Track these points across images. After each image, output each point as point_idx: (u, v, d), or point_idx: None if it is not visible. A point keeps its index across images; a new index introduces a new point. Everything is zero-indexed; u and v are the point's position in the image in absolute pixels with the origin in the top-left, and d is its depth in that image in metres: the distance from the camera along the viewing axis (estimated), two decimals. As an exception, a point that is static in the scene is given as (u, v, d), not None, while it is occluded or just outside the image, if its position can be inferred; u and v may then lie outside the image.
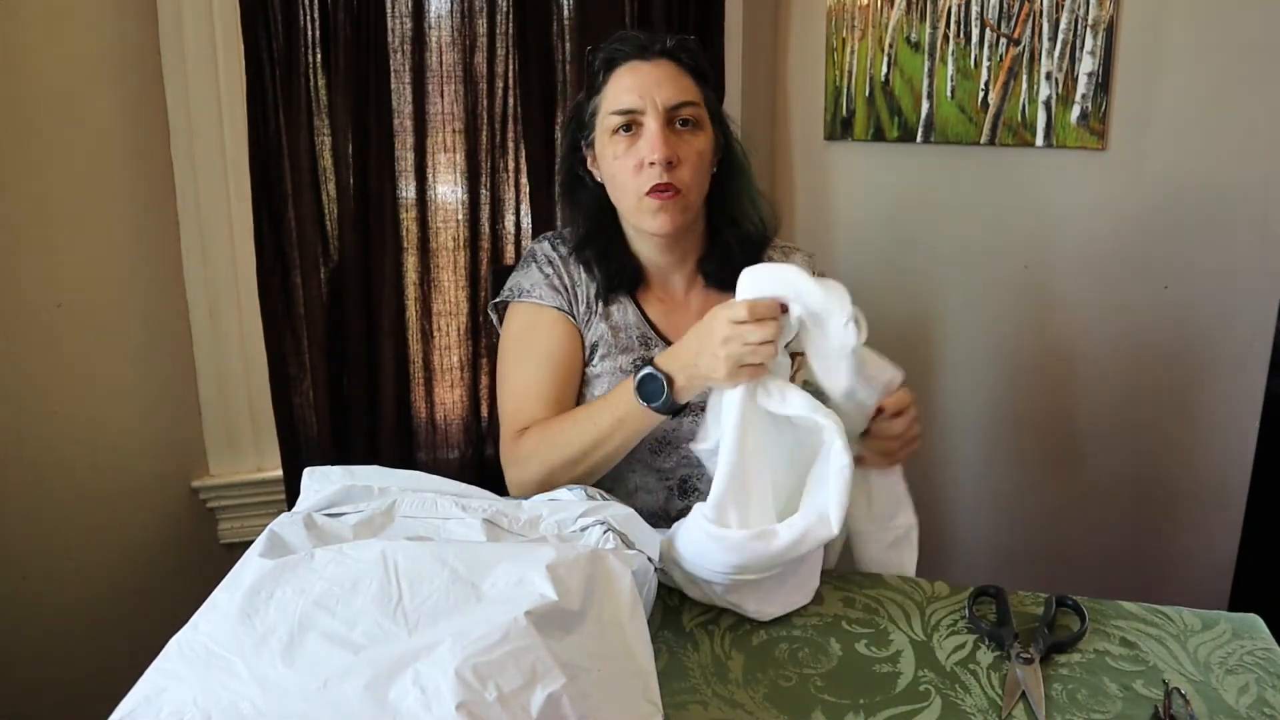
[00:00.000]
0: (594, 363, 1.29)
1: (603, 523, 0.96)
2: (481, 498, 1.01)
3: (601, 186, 1.29)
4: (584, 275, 1.31)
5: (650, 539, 0.99)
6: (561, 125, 1.77)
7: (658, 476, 1.28)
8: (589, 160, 1.30)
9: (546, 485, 1.15)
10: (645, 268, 1.32)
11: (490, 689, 0.67)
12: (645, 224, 1.24)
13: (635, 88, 1.21)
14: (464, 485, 1.04)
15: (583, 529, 0.97)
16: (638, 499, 1.28)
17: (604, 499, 1.04)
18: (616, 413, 1.14)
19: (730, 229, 1.30)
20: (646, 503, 1.29)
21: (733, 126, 1.31)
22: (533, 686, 0.68)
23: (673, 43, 1.24)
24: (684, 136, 1.22)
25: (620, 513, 0.99)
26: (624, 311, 1.30)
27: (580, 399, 1.29)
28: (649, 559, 0.96)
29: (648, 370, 1.11)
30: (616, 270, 1.29)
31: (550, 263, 1.31)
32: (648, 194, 1.21)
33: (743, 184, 1.30)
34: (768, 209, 1.34)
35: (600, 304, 1.29)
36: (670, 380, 1.10)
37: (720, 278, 1.27)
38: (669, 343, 1.28)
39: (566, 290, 1.30)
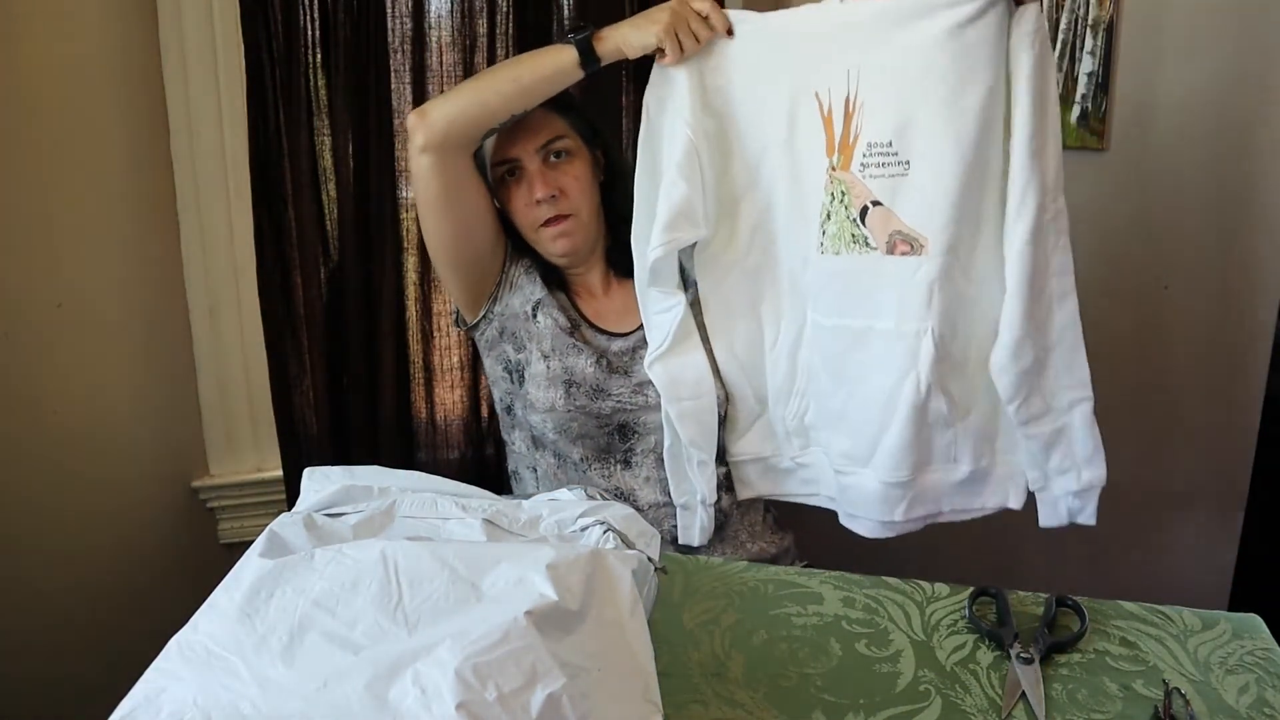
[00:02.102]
0: (537, 318, 1.40)
1: (602, 523, 0.96)
2: (481, 498, 1.01)
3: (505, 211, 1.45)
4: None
5: (650, 539, 0.99)
6: None
7: (597, 422, 1.38)
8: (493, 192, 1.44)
9: (450, 117, 1.26)
10: (564, 272, 1.47)
11: (490, 689, 0.67)
12: (547, 249, 1.40)
13: (508, 138, 1.35)
14: (464, 485, 1.04)
15: (583, 529, 0.97)
16: (586, 443, 1.39)
17: (604, 499, 1.04)
18: (536, 51, 1.28)
19: (624, 225, 1.37)
20: (591, 447, 1.40)
21: (614, 144, 1.47)
22: (533, 686, 0.68)
23: None
24: (561, 167, 1.37)
25: (620, 513, 0.99)
26: (559, 298, 1.44)
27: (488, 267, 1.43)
28: (649, 559, 0.96)
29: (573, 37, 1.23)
30: (550, 270, 1.45)
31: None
32: (543, 225, 1.37)
33: (625, 192, 1.37)
34: None
35: (542, 288, 1.43)
36: (597, 30, 1.23)
37: (626, 266, 1.39)
38: (594, 325, 1.43)
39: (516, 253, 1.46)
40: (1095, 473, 1.22)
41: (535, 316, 1.41)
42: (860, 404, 1.20)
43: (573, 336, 1.39)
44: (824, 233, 1.17)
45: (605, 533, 0.95)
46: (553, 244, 1.39)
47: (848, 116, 1.12)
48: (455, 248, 1.39)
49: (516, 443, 1.49)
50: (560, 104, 1.35)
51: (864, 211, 1.12)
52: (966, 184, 1.09)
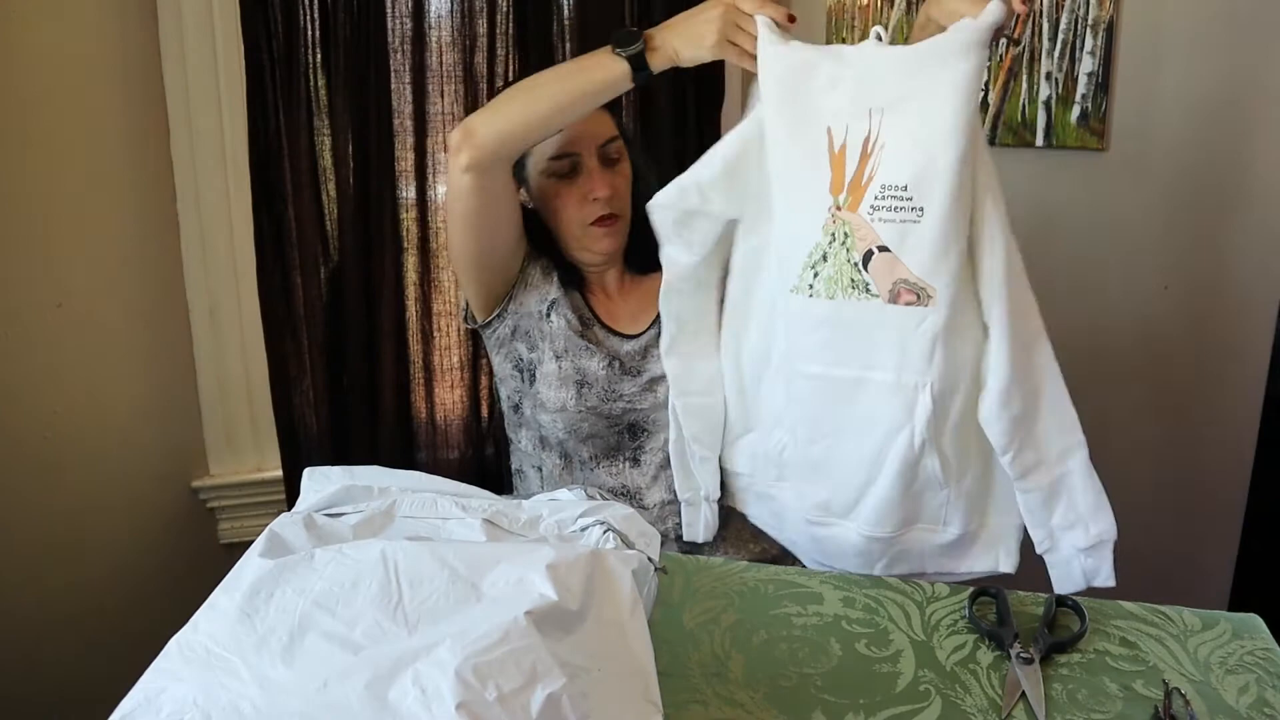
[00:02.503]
0: (550, 318, 1.39)
1: (603, 523, 0.96)
2: (481, 497, 1.01)
3: (531, 211, 1.42)
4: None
5: (650, 539, 0.99)
6: None
7: (608, 423, 1.38)
8: (516, 189, 1.39)
9: (502, 135, 1.23)
10: (583, 271, 1.45)
11: (490, 689, 0.67)
12: (591, 247, 1.39)
13: (572, 133, 1.33)
14: (464, 485, 1.04)
15: (583, 529, 0.97)
16: (596, 442, 1.39)
17: (604, 499, 1.04)
18: (583, 61, 1.24)
19: (645, 222, 1.35)
20: (600, 446, 1.39)
21: (635, 139, 1.46)
22: (533, 686, 0.68)
23: None
24: (615, 167, 1.37)
25: (620, 513, 0.99)
26: (573, 298, 1.43)
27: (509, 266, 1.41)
28: (649, 559, 0.96)
29: (625, 30, 1.20)
30: (567, 270, 1.43)
31: None
32: (592, 224, 1.36)
33: (649, 185, 1.35)
34: None
35: (559, 288, 1.42)
36: (648, 39, 1.19)
37: (641, 264, 1.43)
38: (607, 326, 1.42)
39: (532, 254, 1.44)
40: (1103, 525, 1.17)
41: (549, 316, 1.40)
42: (844, 457, 1.15)
43: (584, 338, 1.38)
44: (815, 275, 1.10)
45: (605, 533, 0.95)
46: (599, 243, 1.38)
47: (864, 156, 1.07)
48: (481, 256, 1.37)
49: (522, 441, 1.48)
50: (616, 110, 1.37)
51: (868, 256, 1.06)
52: (965, 235, 1.06)
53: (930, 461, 1.11)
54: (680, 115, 1.85)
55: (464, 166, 1.25)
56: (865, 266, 1.06)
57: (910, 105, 1.04)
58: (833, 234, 1.09)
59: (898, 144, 1.05)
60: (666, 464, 1.37)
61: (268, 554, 0.85)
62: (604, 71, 1.21)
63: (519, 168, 1.37)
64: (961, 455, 1.13)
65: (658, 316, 1.37)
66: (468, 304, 1.46)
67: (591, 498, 1.03)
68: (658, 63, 1.20)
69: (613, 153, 1.36)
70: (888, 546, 1.16)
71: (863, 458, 1.13)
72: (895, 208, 1.04)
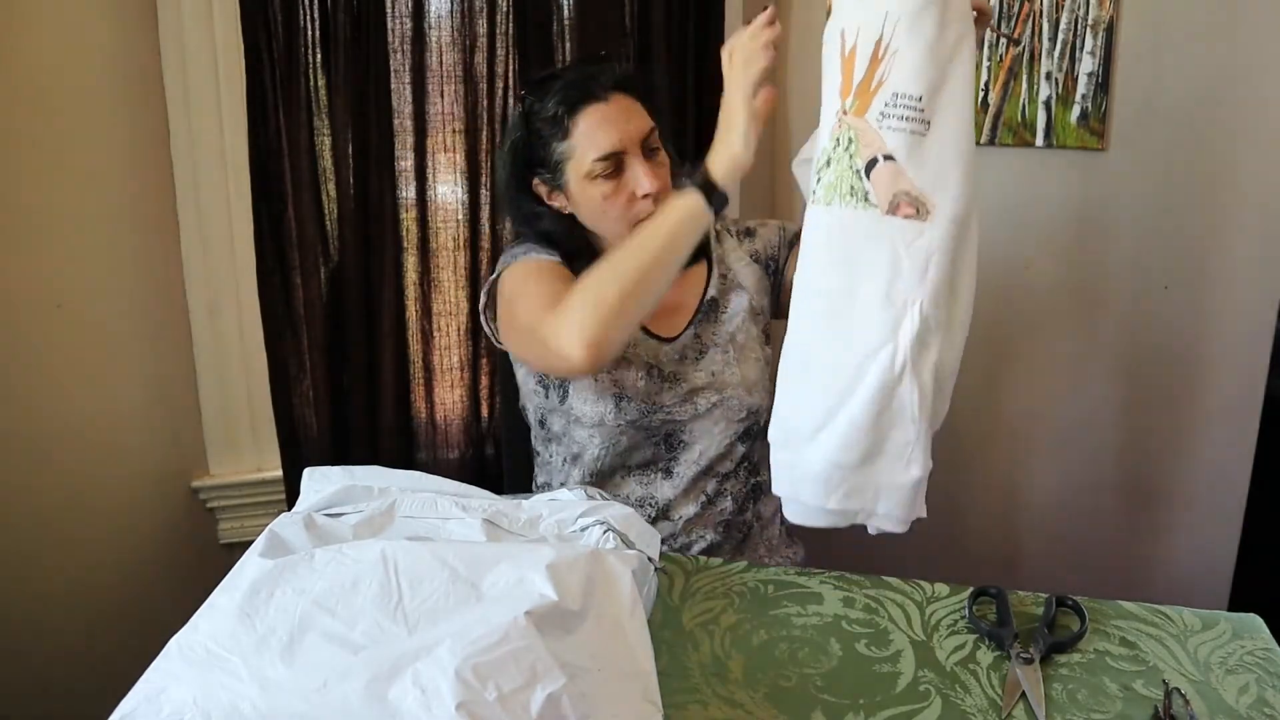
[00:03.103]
0: None
1: (603, 523, 0.96)
2: (481, 497, 1.01)
3: (566, 215, 1.34)
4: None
5: (650, 538, 0.99)
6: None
7: (646, 434, 1.34)
8: (545, 195, 1.33)
9: (599, 334, 1.14)
10: None
11: (490, 689, 0.67)
12: None
13: (610, 130, 1.25)
14: (464, 485, 1.04)
15: (583, 529, 0.97)
16: (633, 456, 1.35)
17: (604, 499, 1.04)
18: (669, 219, 1.18)
19: None
20: (635, 459, 1.35)
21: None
22: (533, 686, 0.68)
23: (618, 76, 1.28)
24: (657, 160, 1.29)
25: (620, 513, 0.99)
26: None
27: None
28: (649, 559, 0.96)
29: (686, 180, 1.18)
30: None
31: (545, 249, 1.35)
32: (640, 221, 1.27)
33: (677, 168, 1.35)
34: None
35: None
36: (706, 171, 1.17)
37: None
38: (643, 330, 1.35)
39: (566, 265, 1.34)
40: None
41: None
42: (820, 373, 1.08)
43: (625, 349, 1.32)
44: (818, 180, 1.06)
45: (605, 533, 0.95)
46: None
47: (874, 60, 1.02)
48: None
49: (553, 457, 1.41)
50: (644, 93, 1.29)
51: (871, 164, 1.02)
52: (971, 160, 1.03)
53: (907, 389, 1.05)
54: (680, 116, 1.85)
55: (581, 371, 1.21)
56: (867, 174, 1.02)
57: (925, 20, 1.01)
58: (838, 138, 1.04)
59: (910, 53, 1.01)
60: (700, 476, 1.34)
61: (268, 554, 0.85)
62: (688, 221, 1.17)
63: (556, 174, 1.30)
64: (936, 393, 1.08)
65: (692, 319, 1.36)
66: (490, 321, 1.38)
67: (591, 498, 1.03)
68: (726, 179, 1.17)
69: (654, 143, 1.29)
70: (847, 475, 1.07)
71: (839, 374, 1.06)
72: (905, 116, 1.01)
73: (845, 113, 1.04)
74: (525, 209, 1.36)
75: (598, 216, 1.31)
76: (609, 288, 1.16)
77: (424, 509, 0.97)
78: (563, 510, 0.99)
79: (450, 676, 0.67)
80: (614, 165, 1.25)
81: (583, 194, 1.29)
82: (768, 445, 1.15)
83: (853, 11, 1.05)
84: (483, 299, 1.40)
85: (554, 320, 1.18)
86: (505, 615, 0.73)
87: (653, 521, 1.34)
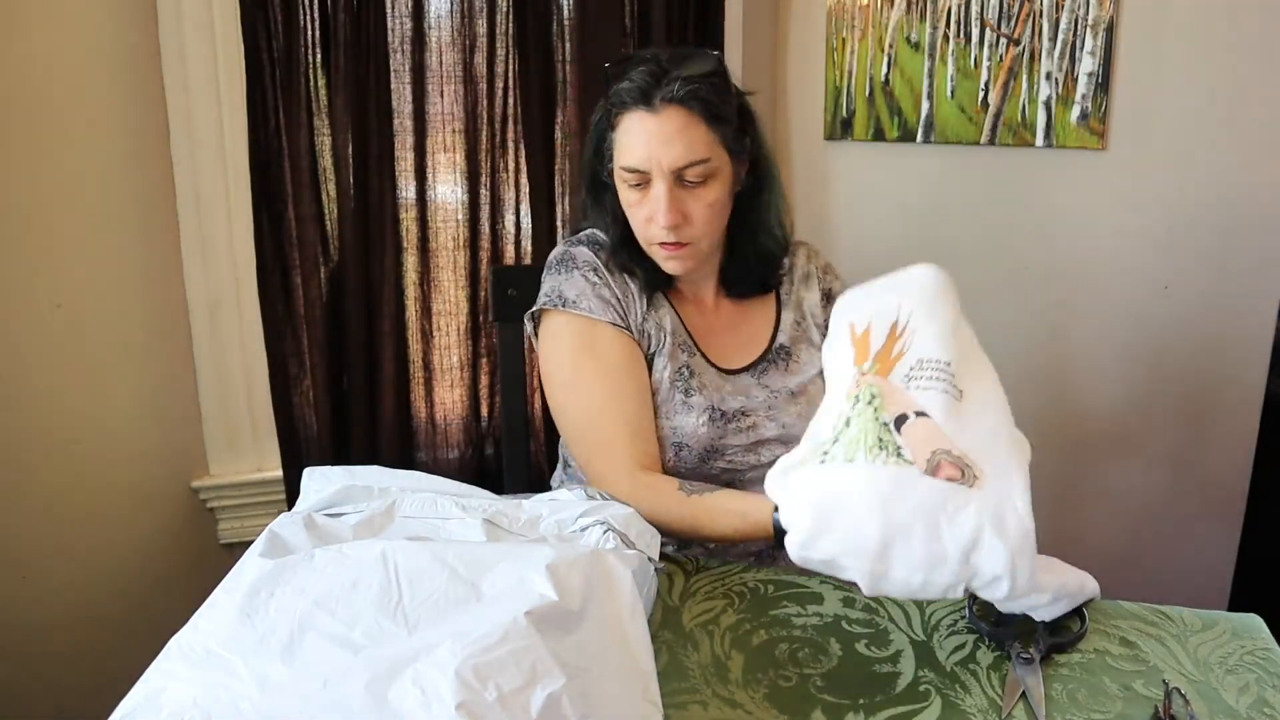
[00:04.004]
0: (653, 370, 1.23)
1: (603, 523, 0.96)
2: (482, 497, 1.01)
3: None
4: (626, 278, 1.25)
5: (650, 538, 0.99)
6: (562, 125, 1.78)
7: (704, 480, 1.22)
8: (613, 171, 1.23)
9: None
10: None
11: (490, 689, 0.67)
12: (659, 262, 1.22)
13: (642, 146, 1.14)
14: (464, 485, 1.04)
15: (583, 529, 0.97)
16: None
17: (604, 499, 1.04)
18: (738, 526, 1.08)
19: (750, 244, 1.27)
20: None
21: (764, 138, 1.24)
22: (533, 686, 0.68)
23: (683, 90, 1.12)
24: (695, 192, 1.16)
25: (620, 513, 0.99)
26: (665, 314, 1.26)
27: None
28: (649, 559, 0.96)
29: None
30: (653, 269, 1.24)
31: (595, 270, 1.24)
32: (657, 244, 1.19)
33: (767, 200, 1.25)
34: (788, 216, 1.30)
35: (646, 306, 1.25)
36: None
37: (739, 291, 1.29)
38: (701, 351, 1.25)
39: (618, 301, 1.23)
40: None
41: (653, 367, 1.22)
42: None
43: (683, 390, 1.21)
44: (834, 441, 0.88)
45: (605, 533, 0.95)
46: (664, 263, 1.21)
47: (892, 336, 0.93)
48: None
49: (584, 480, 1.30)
50: (713, 113, 1.14)
51: (901, 419, 0.85)
52: (1020, 453, 0.88)
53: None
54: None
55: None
56: (898, 428, 0.85)
57: (943, 302, 0.96)
58: (857, 396, 0.89)
59: (934, 326, 0.92)
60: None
61: (268, 554, 0.85)
62: (752, 530, 1.06)
63: (608, 157, 1.21)
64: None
65: (759, 360, 1.26)
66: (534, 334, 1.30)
67: (591, 497, 1.03)
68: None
69: (692, 176, 1.15)
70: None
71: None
72: (936, 377, 0.88)
73: (864, 374, 0.91)
74: (597, 175, 1.26)
75: (628, 214, 1.22)
76: (660, 519, 1.07)
77: (424, 509, 0.97)
78: (563, 510, 0.99)
79: (450, 676, 0.67)
80: (641, 179, 1.16)
81: (618, 186, 1.21)
82: None
83: (861, 305, 0.99)
84: (528, 326, 1.30)
85: (602, 469, 1.15)
86: (505, 615, 0.73)
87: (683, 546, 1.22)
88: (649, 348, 1.24)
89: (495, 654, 0.69)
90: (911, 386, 0.87)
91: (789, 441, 1.20)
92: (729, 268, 1.28)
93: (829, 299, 1.30)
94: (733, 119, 1.18)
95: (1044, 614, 0.92)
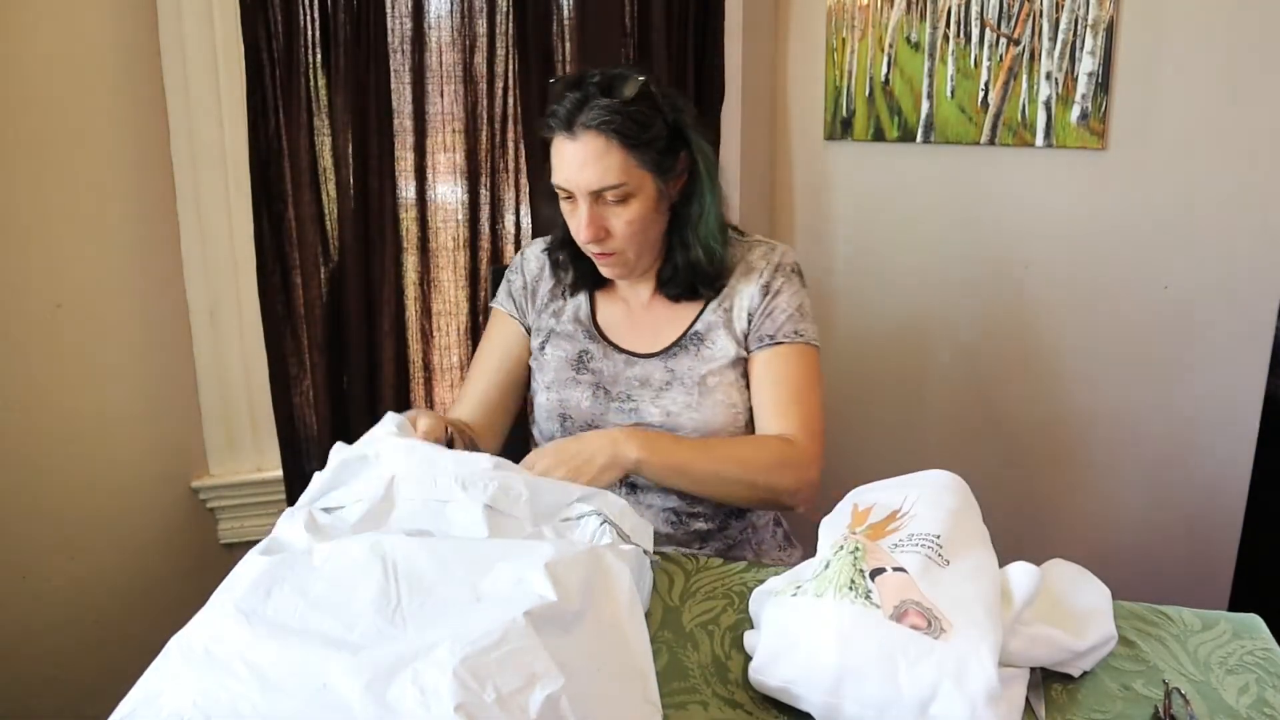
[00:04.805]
0: (544, 351, 1.37)
1: (599, 513, 0.96)
2: (480, 470, 1.00)
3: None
4: (548, 273, 1.40)
5: (644, 530, 0.99)
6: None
7: None
8: None
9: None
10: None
11: (489, 690, 0.67)
12: (596, 264, 1.31)
13: (563, 169, 1.22)
14: (462, 454, 1.04)
15: (578, 516, 0.96)
16: None
17: None
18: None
19: (681, 253, 1.31)
20: None
21: (705, 150, 1.28)
22: (531, 687, 0.68)
23: (600, 118, 1.18)
24: (615, 209, 1.23)
25: (616, 503, 0.99)
26: (577, 305, 1.38)
27: (528, 383, 1.41)
28: (644, 551, 0.96)
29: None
30: (586, 272, 1.35)
31: (517, 268, 1.43)
32: (590, 250, 1.28)
33: (698, 212, 1.29)
34: (721, 232, 1.31)
35: (560, 299, 1.38)
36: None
37: (672, 294, 1.33)
38: (608, 341, 1.35)
39: (520, 293, 1.41)
40: None
41: (544, 350, 1.37)
42: None
43: (575, 368, 1.34)
44: (812, 579, 0.92)
45: (602, 524, 0.94)
46: (600, 268, 1.31)
47: (892, 516, 0.97)
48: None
49: None
50: (629, 135, 1.19)
51: (878, 571, 0.89)
52: (996, 587, 0.90)
53: None
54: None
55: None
56: (873, 578, 0.88)
57: (949, 496, 0.99)
58: (841, 546, 0.93)
59: (935, 512, 0.96)
60: (663, 494, 1.31)
61: (268, 553, 0.85)
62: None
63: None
64: None
65: (671, 346, 1.32)
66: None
67: None
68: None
69: (611, 196, 1.22)
70: None
71: None
72: (922, 546, 0.91)
73: (854, 533, 0.95)
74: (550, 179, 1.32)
75: (566, 220, 1.30)
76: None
77: (423, 488, 0.96)
78: (560, 492, 0.99)
79: (449, 677, 0.67)
80: (569, 194, 1.24)
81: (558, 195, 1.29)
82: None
83: (869, 494, 1.03)
84: (493, 298, 1.47)
85: None
86: (504, 616, 0.73)
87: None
88: (544, 333, 1.38)
89: (494, 655, 0.69)
90: (897, 551, 0.91)
91: (672, 429, 1.29)
92: (663, 271, 1.34)
93: (766, 291, 1.32)
94: (658, 139, 1.22)
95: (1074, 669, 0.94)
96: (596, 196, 1.22)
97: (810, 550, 1.45)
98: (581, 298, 1.38)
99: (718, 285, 1.33)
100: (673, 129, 1.25)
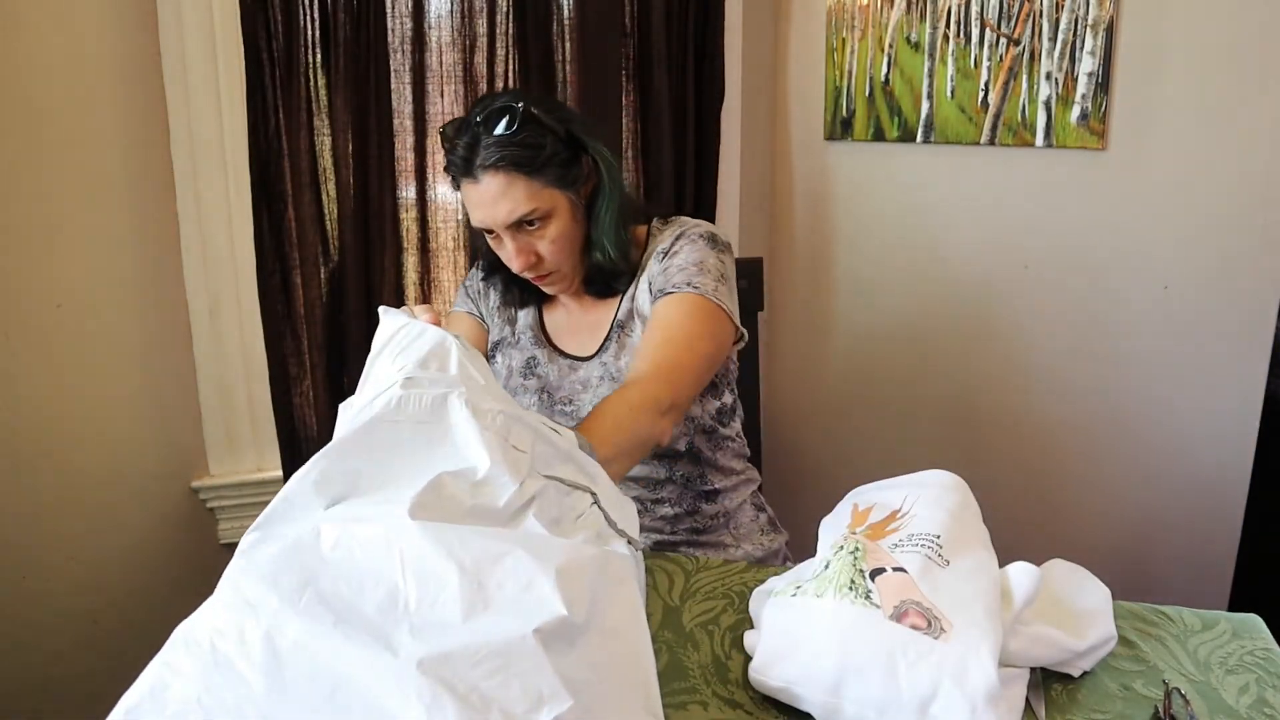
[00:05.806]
0: (495, 359, 1.41)
1: (593, 495, 0.94)
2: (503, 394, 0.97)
3: None
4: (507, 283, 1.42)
5: (631, 521, 0.98)
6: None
7: None
8: None
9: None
10: None
11: (494, 713, 0.66)
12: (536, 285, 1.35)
13: (477, 210, 1.26)
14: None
15: (570, 488, 0.94)
16: None
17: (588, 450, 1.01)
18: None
19: (590, 251, 1.34)
20: None
21: (602, 150, 1.30)
22: (538, 710, 0.68)
23: (493, 156, 1.21)
24: (538, 233, 1.27)
25: (609, 491, 0.97)
26: (527, 315, 1.41)
27: None
28: (629, 540, 0.95)
29: None
30: (527, 288, 1.38)
31: (471, 276, 1.47)
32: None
33: (599, 214, 1.32)
34: (623, 226, 1.33)
35: (511, 307, 1.42)
36: None
37: (596, 292, 1.37)
38: (554, 347, 1.39)
39: (476, 295, 1.45)
40: None
41: (494, 358, 1.41)
42: None
43: (524, 374, 1.37)
44: (812, 579, 0.93)
45: (592, 505, 0.93)
46: (543, 289, 1.36)
47: (891, 517, 0.97)
48: None
49: None
50: (525, 163, 1.22)
51: (878, 571, 0.89)
52: (997, 587, 0.91)
53: None
54: (680, 116, 1.85)
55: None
56: (873, 578, 0.89)
57: (949, 497, 1.01)
58: (841, 546, 0.93)
59: (935, 512, 0.96)
60: (628, 492, 1.31)
61: (265, 524, 0.83)
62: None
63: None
64: None
65: (605, 339, 1.35)
66: None
67: (582, 448, 1.01)
68: None
69: (530, 221, 1.25)
70: None
71: None
72: (923, 546, 0.91)
73: (854, 533, 0.96)
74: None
75: None
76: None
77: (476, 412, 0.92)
78: (561, 442, 0.95)
79: (455, 699, 0.66)
80: (490, 230, 1.28)
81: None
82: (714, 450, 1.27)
83: (870, 494, 1.04)
84: None
85: None
86: (513, 631, 0.72)
87: None
88: (494, 336, 1.42)
89: (500, 677, 0.69)
90: (897, 551, 0.91)
91: None
92: (589, 274, 1.37)
93: (664, 255, 1.34)
94: (555, 156, 1.25)
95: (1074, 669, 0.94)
96: (517, 227, 1.25)
97: (795, 535, 1.46)
98: (529, 308, 1.42)
99: (631, 276, 1.36)
100: (566, 139, 1.27)
